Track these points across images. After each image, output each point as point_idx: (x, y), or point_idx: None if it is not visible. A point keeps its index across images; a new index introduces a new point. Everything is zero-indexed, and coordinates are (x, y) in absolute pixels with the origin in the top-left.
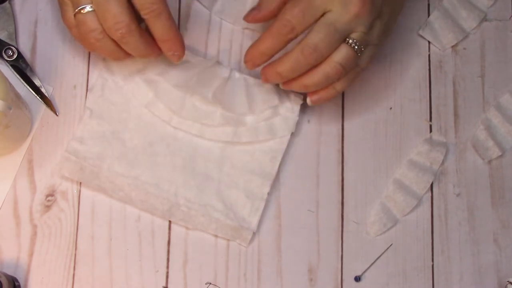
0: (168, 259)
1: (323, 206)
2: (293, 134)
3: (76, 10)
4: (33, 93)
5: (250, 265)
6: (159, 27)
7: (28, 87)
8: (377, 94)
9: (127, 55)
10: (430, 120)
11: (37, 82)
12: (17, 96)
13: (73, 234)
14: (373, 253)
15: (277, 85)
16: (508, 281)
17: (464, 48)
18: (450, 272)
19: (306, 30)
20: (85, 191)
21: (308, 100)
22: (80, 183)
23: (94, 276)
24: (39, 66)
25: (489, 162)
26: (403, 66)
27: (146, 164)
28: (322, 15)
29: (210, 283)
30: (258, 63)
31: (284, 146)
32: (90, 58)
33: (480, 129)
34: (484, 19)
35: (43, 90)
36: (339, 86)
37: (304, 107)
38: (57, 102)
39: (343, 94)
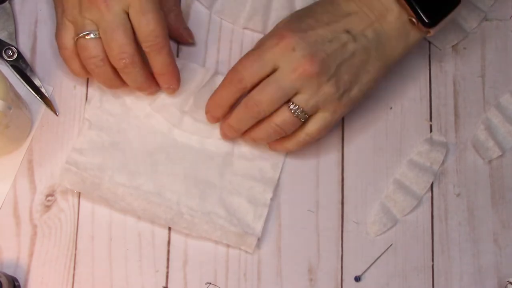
0: (168, 259)
1: (323, 206)
2: None
3: (80, 35)
4: (33, 93)
5: (250, 265)
6: (159, 61)
7: (28, 87)
8: (377, 93)
9: (122, 84)
10: (430, 120)
11: (37, 82)
12: (17, 96)
13: (73, 234)
14: (373, 253)
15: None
16: (508, 281)
17: (465, 48)
18: (450, 272)
19: (256, 82)
20: None
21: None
22: (82, 193)
23: (94, 276)
24: (39, 66)
25: (489, 162)
26: (404, 65)
27: (147, 173)
28: (273, 71)
29: (210, 283)
30: (216, 115)
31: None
32: None
33: (480, 129)
34: (485, 18)
35: (43, 90)
36: (289, 145)
37: None
38: (57, 102)
39: None
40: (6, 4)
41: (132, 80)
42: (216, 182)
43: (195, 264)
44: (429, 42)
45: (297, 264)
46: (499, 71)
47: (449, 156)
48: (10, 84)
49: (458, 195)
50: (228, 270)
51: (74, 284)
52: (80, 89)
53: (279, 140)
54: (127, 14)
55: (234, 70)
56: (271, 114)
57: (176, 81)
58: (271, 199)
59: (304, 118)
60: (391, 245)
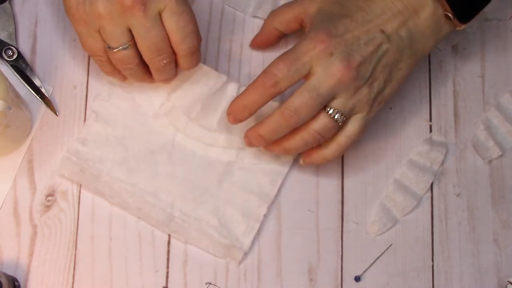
0: (168, 259)
1: (323, 206)
2: None
3: (115, 50)
4: (33, 93)
5: (250, 265)
6: (191, 63)
7: (28, 87)
8: None
9: (151, 79)
10: (430, 120)
11: (37, 82)
12: (17, 96)
13: (73, 234)
14: (373, 253)
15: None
16: (508, 281)
17: (464, 48)
18: (450, 272)
19: (291, 86)
20: (85, 191)
21: (301, 161)
22: (81, 184)
23: (94, 276)
24: (39, 66)
25: (489, 162)
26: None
27: (146, 172)
28: (308, 74)
29: (210, 283)
30: (239, 118)
31: (286, 170)
32: (90, 58)
33: (480, 129)
34: (485, 18)
35: (43, 90)
36: (327, 154)
37: None
38: (57, 102)
39: None
40: (6, 4)
41: (163, 76)
42: (213, 189)
43: (195, 264)
44: None
45: (297, 264)
46: (499, 71)
47: (449, 156)
48: (10, 84)
49: (458, 195)
50: (228, 270)
51: (74, 284)
52: (80, 89)
53: (315, 150)
54: (160, 15)
55: (268, 73)
56: (307, 122)
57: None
58: (264, 215)
59: (342, 121)
60: (391, 245)
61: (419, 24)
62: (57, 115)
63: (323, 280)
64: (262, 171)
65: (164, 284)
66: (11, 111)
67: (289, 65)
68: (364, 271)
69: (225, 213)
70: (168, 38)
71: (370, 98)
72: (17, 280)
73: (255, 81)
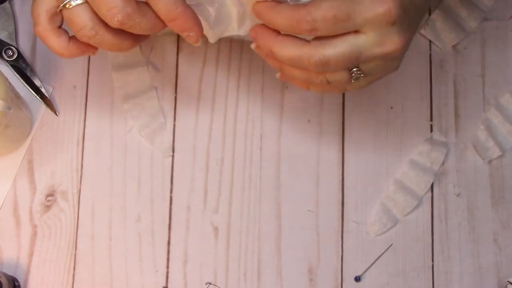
0: (168, 259)
1: (323, 206)
2: (293, 134)
3: (61, 6)
4: (33, 93)
5: (250, 265)
6: (162, 6)
7: (28, 87)
8: (378, 93)
9: (135, 41)
10: (431, 119)
11: (37, 82)
12: (17, 96)
13: (73, 234)
14: (373, 253)
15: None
16: (508, 281)
17: (465, 48)
18: (450, 272)
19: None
20: (85, 191)
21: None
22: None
23: (94, 276)
24: (39, 66)
25: (490, 162)
26: (404, 65)
27: None
28: (357, 30)
29: (210, 283)
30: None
31: None
32: (90, 58)
33: (480, 129)
34: (485, 18)
35: (43, 90)
36: (312, 88)
37: (304, 107)
38: (57, 102)
39: (343, 93)
40: (6, 4)
41: (140, 31)
42: None
43: (195, 264)
44: (430, 41)
45: (297, 264)
46: (499, 71)
47: (449, 156)
48: (10, 84)
49: (458, 195)
50: (228, 270)
51: (74, 284)
52: (80, 89)
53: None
54: None
55: (308, 15)
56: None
57: (192, 24)
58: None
59: (357, 80)
60: (391, 245)
61: None
62: (57, 115)
63: (323, 280)
64: None
65: (164, 284)
66: (11, 111)
67: (338, 19)
68: (364, 271)
69: None
70: None
71: (391, 70)
72: (17, 280)
73: (291, 15)
